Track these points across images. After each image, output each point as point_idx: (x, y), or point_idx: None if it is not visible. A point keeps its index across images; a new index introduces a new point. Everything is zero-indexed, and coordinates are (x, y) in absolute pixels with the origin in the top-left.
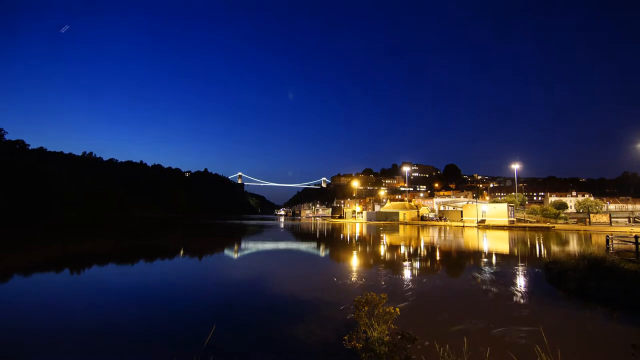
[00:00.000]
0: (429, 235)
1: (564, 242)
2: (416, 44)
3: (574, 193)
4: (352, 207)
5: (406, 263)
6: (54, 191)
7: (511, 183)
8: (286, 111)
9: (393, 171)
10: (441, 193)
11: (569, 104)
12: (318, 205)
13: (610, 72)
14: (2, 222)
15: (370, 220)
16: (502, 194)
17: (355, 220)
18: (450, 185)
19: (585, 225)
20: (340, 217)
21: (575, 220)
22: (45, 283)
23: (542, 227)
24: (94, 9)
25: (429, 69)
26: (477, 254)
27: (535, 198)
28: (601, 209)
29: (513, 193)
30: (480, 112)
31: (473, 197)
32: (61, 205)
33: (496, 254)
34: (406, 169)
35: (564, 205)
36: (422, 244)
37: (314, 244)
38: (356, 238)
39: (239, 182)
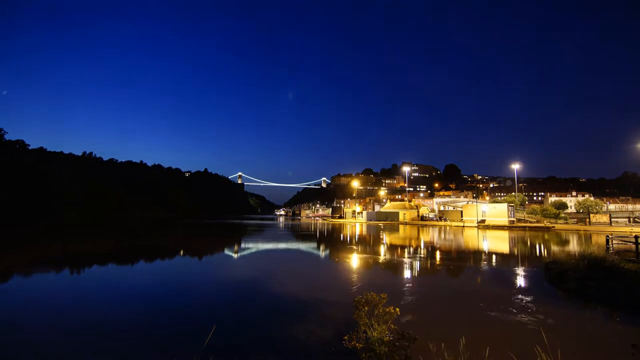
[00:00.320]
0: (429, 235)
1: (564, 242)
2: (416, 43)
3: (574, 193)
4: (352, 207)
5: (406, 263)
6: (54, 191)
7: (511, 183)
8: (286, 111)
9: (393, 171)
10: (441, 193)
11: (569, 103)
12: (318, 205)
13: (611, 71)
14: (2, 222)
15: (370, 220)
16: (502, 194)
17: (355, 220)
18: (450, 185)
19: (585, 225)
20: (340, 217)
21: (575, 220)
22: (45, 283)
23: (542, 227)
24: (94, 8)
25: (429, 69)
26: (477, 254)
27: (535, 198)
28: (601, 209)
29: (513, 193)
30: (480, 112)
31: (473, 197)
32: (61, 205)
33: (496, 254)
34: (406, 169)
35: (564, 205)
36: (422, 244)
37: (314, 244)
38: (356, 238)
39: (239, 182)
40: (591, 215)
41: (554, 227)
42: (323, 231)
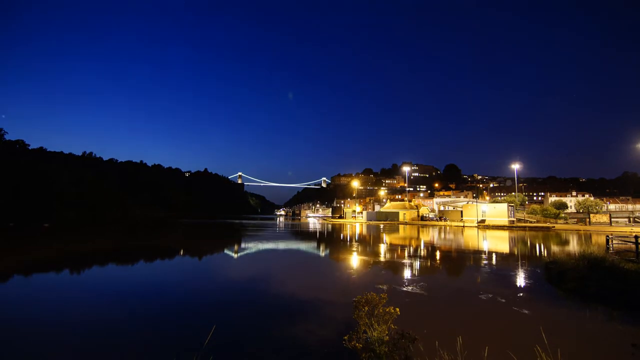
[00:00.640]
0: (429, 235)
1: (564, 242)
2: (416, 43)
3: (574, 193)
4: (352, 207)
5: (406, 263)
6: (54, 191)
7: (511, 183)
8: (286, 111)
9: (393, 171)
10: (441, 193)
11: (569, 104)
12: (318, 205)
13: (611, 71)
14: (2, 222)
15: (370, 220)
16: (502, 194)
17: (355, 220)
18: (450, 185)
19: (585, 225)
20: (340, 217)
21: (575, 220)
22: (45, 283)
23: (542, 227)
24: (95, 9)
25: (429, 69)
26: (477, 254)
27: (535, 198)
28: (601, 209)
29: (513, 193)
30: (480, 112)
31: (473, 197)
32: (61, 205)
33: (496, 254)
34: (406, 169)
35: (564, 205)
36: (422, 244)
37: (313, 244)
38: (356, 238)
39: (239, 182)
40: (591, 215)
41: (554, 227)
42: (323, 231)
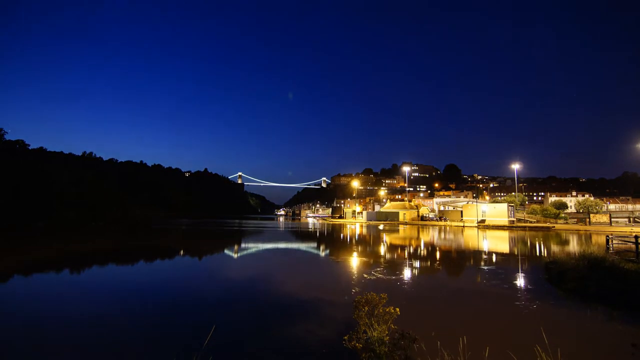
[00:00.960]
0: (429, 235)
1: (564, 242)
2: (417, 44)
3: (574, 193)
4: (352, 207)
5: (406, 263)
6: (54, 191)
7: (511, 183)
8: (286, 111)
9: (393, 171)
10: (441, 193)
11: (569, 104)
12: (318, 205)
13: (611, 71)
14: (2, 222)
15: (370, 220)
16: (502, 194)
17: (355, 221)
18: (450, 185)
19: (585, 225)
20: (340, 217)
21: (575, 220)
22: (45, 283)
23: (542, 227)
24: (95, 9)
25: (429, 69)
26: (477, 254)
27: (535, 198)
28: (601, 209)
29: (513, 193)
30: (480, 112)
31: (473, 197)
32: (61, 205)
33: (496, 254)
34: (406, 169)
35: (564, 205)
36: (422, 244)
37: (313, 244)
38: (356, 238)
39: (239, 182)
40: (591, 215)
41: (554, 227)
42: (323, 231)
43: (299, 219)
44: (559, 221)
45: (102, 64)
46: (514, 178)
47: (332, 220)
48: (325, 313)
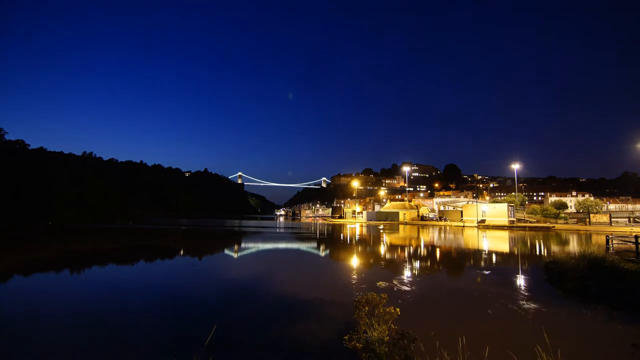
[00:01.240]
0: (429, 235)
1: (564, 242)
2: (417, 44)
3: (574, 193)
4: (352, 207)
5: (406, 263)
6: (54, 191)
7: (511, 183)
8: (286, 111)
9: (393, 171)
10: (441, 193)
11: (569, 103)
12: (318, 205)
13: (611, 71)
14: (2, 222)
15: (370, 220)
16: (502, 194)
17: (355, 220)
18: (450, 185)
19: (585, 225)
20: (340, 217)
21: (575, 220)
22: (45, 283)
23: (542, 227)
24: (95, 9)
25: (429, 70)
26: (477, 253)
27: (535, 198)
28: (601, 209)
29: (513, 193)
30: (480, 112)
31: (473, 197)
32: (61, 205)
33: (496, 254)
34: (406, 169)
35: (564, 205)
36: (422, 244)
37: (313, 244)
38: (356, 238)
39: (239, 182)
40: (591, 215)
41: (554, 227)
42: (323, 231)
43: (299, 219)
44: (559, 221)
45: (103, 64)
46: (514, 178)
47: (332, 220)
48: (326, 313)
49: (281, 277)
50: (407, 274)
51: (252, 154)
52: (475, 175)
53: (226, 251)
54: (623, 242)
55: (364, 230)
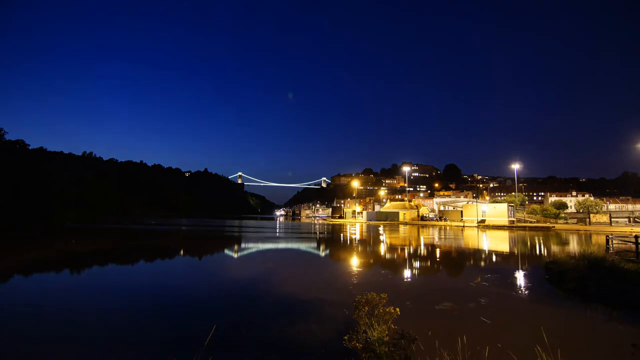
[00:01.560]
0: (429, 235)
1: (564, 242)
2: (417, 43)
3: (574, 193)
4: (352, 207)
5: (406, 263)
6: (54, 191)
7: (511, 183)
8: (286, 111)
9: (393, 171)
10: (441, 193)
11: (569, 103)
12: (318, 205)
13: (611, 71)
14: (2, 222)
15: (370, 220)
16: (502, 194)
17: (355, 220)
18: (450, 185)
19: (585, 225)
20: (340, 217)
21: (575, 220)
22: (45, 283)
23: (542, 227)
24: (95, 9)
25: (429, 70)
26: (477, 254)
27: (535, 198)
28: (601, 209)
29: (513, 193)
30: (480, 112)
31: (473, 197)
32: (61, 205)
33: (496, 254)
34: (406, 169)
35: (564, 205)
36: (422, 244)
37: (313, 244)
38: (356, 238)
39: (239, 182)
40: (591, 215)
41: (554, 227)
42: (323, 231)
43: (299, 219)
44: (559, 221)
45: (102, 64)
46: (514, 178)
47: (332, 220)
48: (325, 313)
49: (281, 277)
50: (407, 273)
51: (252, 154)
52: (475, 175)
53: (226, 251)
54: (623, 242)
55: (364, 230)
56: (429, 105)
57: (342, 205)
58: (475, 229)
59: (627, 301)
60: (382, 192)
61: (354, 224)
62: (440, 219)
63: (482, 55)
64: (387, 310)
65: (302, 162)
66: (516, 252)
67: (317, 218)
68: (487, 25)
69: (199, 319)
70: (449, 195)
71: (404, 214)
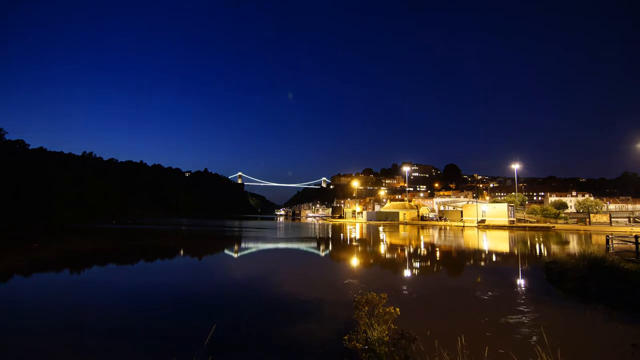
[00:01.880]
0: (429, 235)
1: (564, 242)
2: (417, 43)
3: (574, 193)
4: (352, 207)
5: (406, 263)
6: (54, 191)
7: (511, 183)
8: (286, 111)
9: (393, 171)
10: (441, 193)
11: (569, 103)
12: (318, 205)
13: (611, 71)
14: (2, 222)
15: (371, 220)
16: (502, 194)
17: (355, 220)
18: (450, 185)
19: (585, 225)
20: (340, 217)
21: (576, 220)
22: (45, 283)
23: (542, 227)
24: (95, 9)
25: (429, 69)
26: (477, 253)
27: (535, 198)
28: (601, 209)
29: (513, 193)
30: (480, 112)
31: (473, 197)
32: (61, 205)
33: (496, 254)
34: (406, 169)
35: (564, 205)
36: (422, 244)
37: (313, 244)
38: (356, 238)
39: (239, 182)
40: (591, 215)
41: (554, 227)
42: (323, 231)
43: (299, 219)
44: (559, 221)
45: (102, 64)
46: (514, 178)
47: (332, 220)
48: (325, 313)
49: (281, 277)
50: (407, 273)
51: (252, 154)
52: (475, 175)
53: (226, 251)
54: (623, 242)
55: (364, 230)
56: (429, 105)
57: (342, 205)
58: (475, 229)
59: (627, 301)
60: (382, 192)
61: (354, 224)
62: (440, 219)
63: (482, 55)
64: (387, 310)
65: (302, 162)
66: (516, 252)
67: (317, 218)
68: (487, 26)
69: (199, 318)
70: (449, 195)
71: (404, 214)
